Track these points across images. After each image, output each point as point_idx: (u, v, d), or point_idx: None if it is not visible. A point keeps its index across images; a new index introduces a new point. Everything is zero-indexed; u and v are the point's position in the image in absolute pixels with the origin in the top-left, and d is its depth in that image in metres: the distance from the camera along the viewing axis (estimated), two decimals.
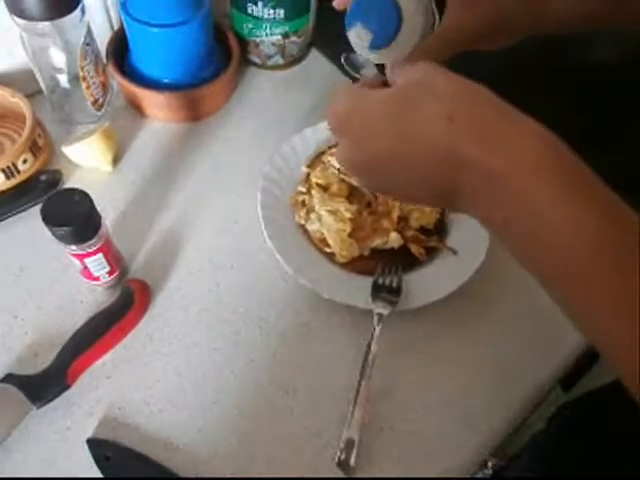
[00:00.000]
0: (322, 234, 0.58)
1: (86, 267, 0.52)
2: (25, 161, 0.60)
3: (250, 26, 0.71)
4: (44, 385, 0.49)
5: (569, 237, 0.30)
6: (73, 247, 0.49)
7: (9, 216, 0.60)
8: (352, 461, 0.48)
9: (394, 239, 0.58)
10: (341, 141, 0.40)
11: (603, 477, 0.56)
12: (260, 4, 0.67)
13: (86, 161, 0.63)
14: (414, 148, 0.35)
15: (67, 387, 0.50)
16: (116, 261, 0.54)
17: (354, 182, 0.61)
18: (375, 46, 0.45)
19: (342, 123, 0.39)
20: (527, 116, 0.33)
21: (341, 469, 0.48)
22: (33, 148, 0.60)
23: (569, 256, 0.30)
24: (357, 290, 0.55)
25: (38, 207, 0.48)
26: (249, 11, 0.69)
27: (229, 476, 0.48)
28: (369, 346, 0.52)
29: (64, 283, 0.56)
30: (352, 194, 0.61)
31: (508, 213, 0.32)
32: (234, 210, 0.63)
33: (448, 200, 0.35)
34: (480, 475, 0.84)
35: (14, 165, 0.59)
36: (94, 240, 0.49)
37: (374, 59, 0.52)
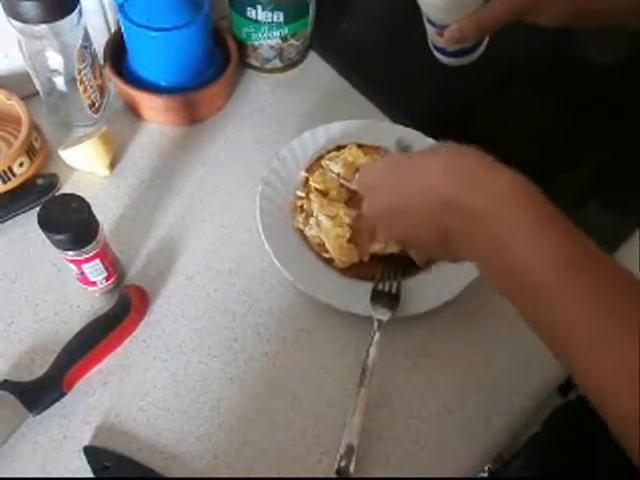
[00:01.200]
0: (321, 239, 0.58)
1: (83, 273, 0.51)
2: (21, 164, 0.59)
3: (249, 29, 0.70)
4: (40, 392, 0.48)
5: (539, 260, 0.35)
6: (70, 253, 0.49)
7: (5, 220, 0.59)
8: (352, 468, 0.47)
9: (393, 245, 0.58)
10: (367, 196, 0.48)
11: (598, 477, 0.56)
12: (259, 7, 0.67)
13: (83, 165, 0.62)
14: (414, 197, 0.42)
15: (63, 394, 0.49)
16: (113, 266, 0.54)
17: (353, 187, 0.61)
18: None
19: (367, 182, 0.48)
20: (504, 165, 0.39)
21: (340, 477, 0.48)
22: (29, 151, 0.60)
23: (540, 276, 0.35)
24: (356, 296, 0.55)
25: (34, 211, 0.48)
26: (248, 14, 0.68)
27: (228, 477, 0.48)
28: (368, 352, 0.52)
29: (60, 288, 0.56)
30: (351, 199, 0.61)
31: (489, 244, 0.37)
32: (232, 214, 0.62)
33: (446, 242, 0.41)
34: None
35: (10, 169, 0.58)
36: (91, 246, 0.49)
37: (440, 18, 0.56)
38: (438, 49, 0.66)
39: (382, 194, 0.46)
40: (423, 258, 0.58)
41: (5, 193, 0.59)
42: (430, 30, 0.64)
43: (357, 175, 0.52)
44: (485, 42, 0.65)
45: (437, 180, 0.40)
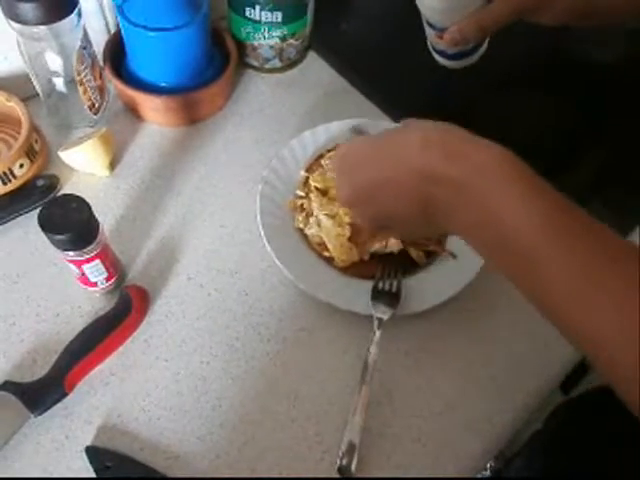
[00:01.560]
0: (321, 238, 0.58)
1: (84, 273, 0.52)
2: (21, 166, 0.59)
3: (248, 29, 0.70)
4: (42, 393, 0.48)
5: (528, 228, 0.35)
6: (70, 253, 0.49)
7: (6, 221, 0.59)
8: (353, 467, 0.47)
9: (393, 243, 0.58)
10: (340, 179, 0.46)
11: (600, 474, 0.56)
12: (258, 7, 0.67)
13: (83, 166, 0.62)
14: (396, 170, 0.41)
15: (65, 394, 0.49)
16: (114, 267, 0.54)
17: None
18: None
19: (340, 164, 0.47)
20: (483, 138, 0.39)
21: (342, 475, 0.48)
22: (29, 153, 0.60)
23: (527, 245, 0.35)
24: (357, 295, 0.55)
25: (35, 212, 0.48)
26: (247, 14, 0.68)
27: (229, 476, 0.48)
28: (369, 351, 0.52)
29: (61, 289, 0.56)
30: None
31: (477, 216, 0.37)
32: (233, 214, 0.62)
33: (429, 214, 0.40)
34: (479, 476, 0.84)
35: (10, 170, 0.58)
36: (92, 247, 0.49)
37: (439, 20, 0.56)
38: (438, 52, 0.66)
39: (360, 172, 0.44)
40: (398, 237, 0.57)
41: (5, 194, 0.59)
42: (430, 33, 0.64)
43: (333, 161, 0.50)
44: (485, 44, 0.65)
45: (416, 152, 0.40)
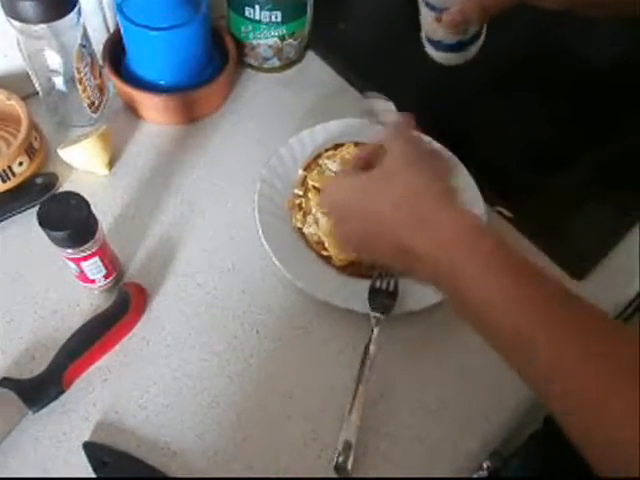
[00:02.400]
0: (319, 237, 0.58)
1: (82, 270, 0.52)
2: (21, 164, 0.59)
3: (247, 29, 0.71)
4: (40, 389, 0.49)
5: (498, 298, 0.36)
6: (69, 251, 0.49)
7: (4, 219, 0.59)
8: (349, 464, 0.48)
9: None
10: (336, 222, 0.48)
11: (596, 476, 0.56)
12: (257, 7, 0.67)
13: (82, 164, 0.62)
14: (375, 228, 0.43)
15: (63, 391, 0.49)
16: (112, 264, 0.54)
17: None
18: None
19: (328, 207, 0.49)
20: (455, 204, 0.41)
21: (338, 473, 0.48)
22: (29, 151, 0.60)
23: (500, 319, 0.36)
24: (354, 293, 0.55)
25: (34, 210, 0.48)
26: (246, 14, 0.69)
27: (228, 476, 0.48)
28: (366, 349, 0.52)
29: (60, 286, 0.56)
30: None
31: (451, 290, 0.40)
32: (231, 213, 0.63)
33: (415, 273, 0.42)
34: (475, 476, 0.85)
35: (10, 168, 0.59)
36: (90, 244, 0.49)
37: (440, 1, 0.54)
38: (433, 43, 0.62)
39: (346, 223, 0.46)
40: None
41: (5, 192, 0.60)
42: (427, 18, 0.60)
43: (320, 196, 0.52)
44: (482, 37, 0.62)
45: (388, 221, 0.42)
